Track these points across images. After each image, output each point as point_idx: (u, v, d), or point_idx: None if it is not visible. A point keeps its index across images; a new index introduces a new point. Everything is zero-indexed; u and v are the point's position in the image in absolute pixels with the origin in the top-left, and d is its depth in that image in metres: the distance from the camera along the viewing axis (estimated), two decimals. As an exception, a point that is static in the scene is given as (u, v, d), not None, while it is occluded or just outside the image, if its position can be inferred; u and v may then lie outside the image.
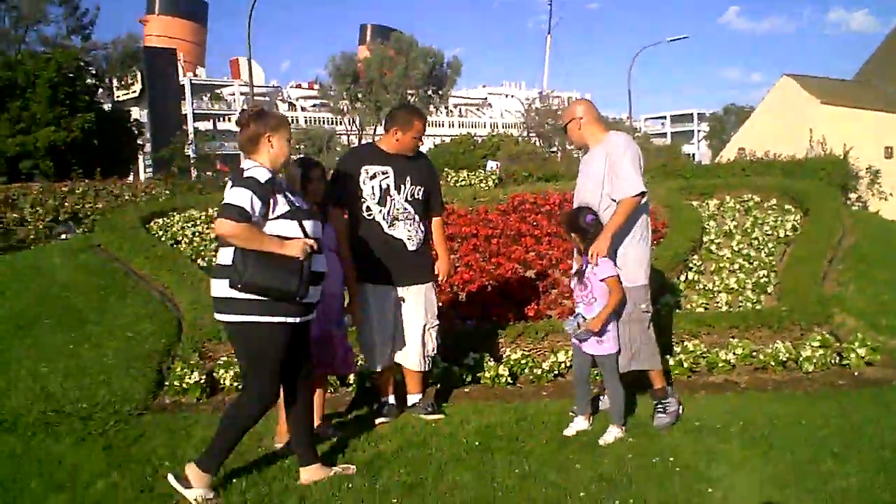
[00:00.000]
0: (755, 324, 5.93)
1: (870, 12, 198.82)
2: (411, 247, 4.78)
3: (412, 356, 4.84)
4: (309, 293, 3.69)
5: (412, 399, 4.95)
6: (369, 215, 4.73)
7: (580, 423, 4.53)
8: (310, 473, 3.86)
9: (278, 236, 3.65)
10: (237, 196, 3.57)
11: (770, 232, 8.58)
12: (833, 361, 5.56)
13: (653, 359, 4.63)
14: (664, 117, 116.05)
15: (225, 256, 3.66)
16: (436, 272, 4.99)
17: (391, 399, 4.95)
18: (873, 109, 21.59)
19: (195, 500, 3.59)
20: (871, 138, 19.72)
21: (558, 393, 5.42)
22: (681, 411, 4.62)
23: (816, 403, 4.84)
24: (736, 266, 7.75)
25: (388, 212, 4.73)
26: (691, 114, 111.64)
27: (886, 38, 26.06)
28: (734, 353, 5.60)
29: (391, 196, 4.74)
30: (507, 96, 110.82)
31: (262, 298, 3.60)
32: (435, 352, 4.98)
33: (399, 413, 4.88)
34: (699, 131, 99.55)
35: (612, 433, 4.35)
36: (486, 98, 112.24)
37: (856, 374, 5.46)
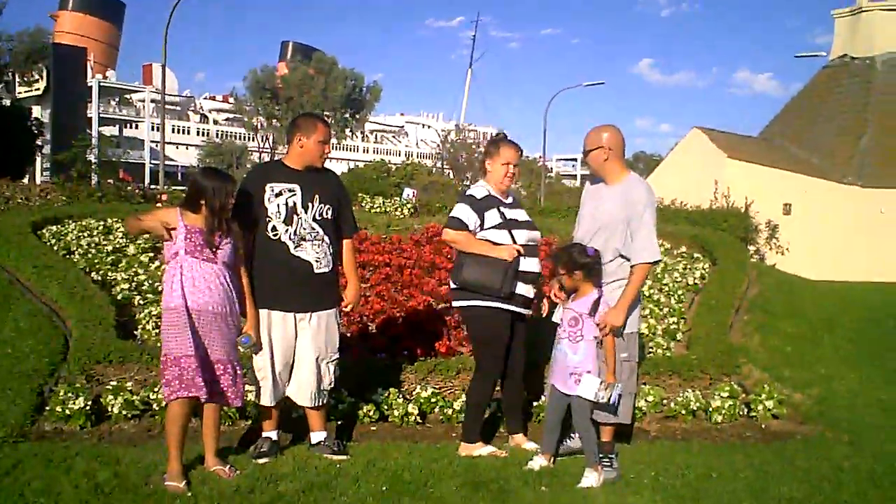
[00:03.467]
0: (665, 371, 5.94)
1: (773, 76, 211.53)
2: (318, 269, 4.50)
3: (304, 391, 4.54)
4: (517, 289, 4.59)
5: (316, 437, 4.65)
6: (275, 235, 4.44)
7: (541, 461, 4.42)
8: (518, 440, 4.91)
9: (493, 242, 4.61)
10: (457, 210, 4.71)
11: (679, 279, 8.72)
12: (741, 413, 5.61)
13: (628, 413, 4.55)
14: (575, 159, 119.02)
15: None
16: (343, 299, 4.74)
17: (274, 435, 4.62)
18: (775, 167, 22.61)
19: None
20: (772, 194, 20.61)
21: (469, 434, 5.24)
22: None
23: (725, 455, 4.82)
24: (647, 311, 7.80)
25: (295, 231, 4.45)
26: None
27: (791, 100, 27.43)
28: (645, 401, 5.57)
29: (298, 215, 4.46)
30: (424, 126, 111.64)
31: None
32: (332, 386, 4.70)
33: (278, 451, 4.56)
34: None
35: (592, 477, 4.22)
36: (402, 126, 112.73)
37: (763, 426, 5.52)
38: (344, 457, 4.52)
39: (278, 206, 4.44)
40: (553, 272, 4.63)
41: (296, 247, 4.46)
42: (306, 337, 4.52)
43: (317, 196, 4.53)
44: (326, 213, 4.55)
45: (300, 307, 4.49)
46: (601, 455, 4.39)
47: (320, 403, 4.65)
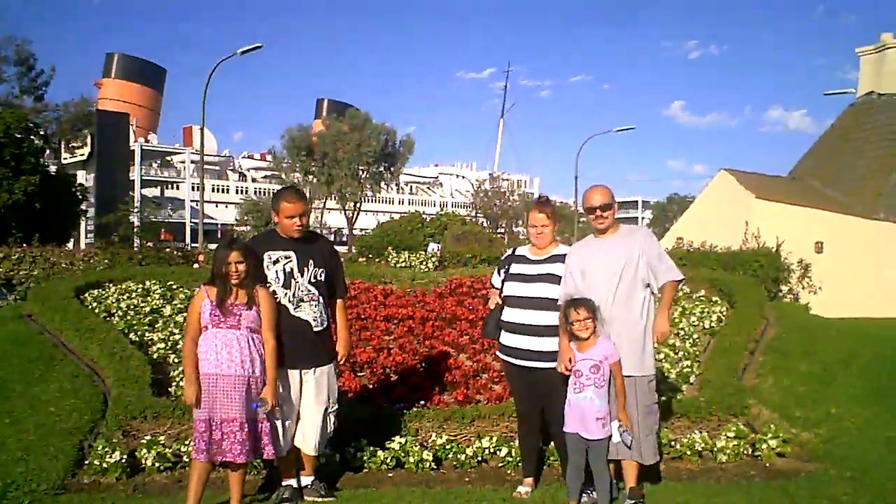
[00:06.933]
0: (675, 413, 6.12)
1: (807, 113, 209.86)
2: (316, 327, 4.94)
3: (311, 440, 4.93)
4: (503, 339, 5.03)
5: (306, 480, 5.02)
6: (275, 299, 4.85)
7: None
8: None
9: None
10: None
11: (696, 322, 8.87)
12: (746, 452, 5.76)
13: (655, 451, 4.85)
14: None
15: None
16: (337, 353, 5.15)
17: (294, 483, 4.98)
18: (805, 206, 22.54)
19: None
20: (802, 233, 20.53)
21: (481, 479, 5.49)
22: None
23: (728, 494, 4.99)
24: (661, 356, 7.98)
25: (294, 294, 4.90)
26: (636, 201, 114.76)
27: (819, 139, 27.37)
28: (653, 443, 5.74)
29: (295, 279, 4.92)
30: (458, 176, 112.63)
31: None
32: (332, 435, 5.11)
33: (300, 498, 4.92)
34: (643, 218, 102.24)
35: None
36: (437, 177, 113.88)
37: (767, 465, 5.66)
38: (331, 499, 4.92)
39: (276, 272, 4.90)
40: (566, 321, 4.69)
41: (295, 308, 4.90)
42: (310, 391, 4.93)
43: (311, 261, 4.99)
44: (320, 276, 5.02)
45: (304, 363, 4.92)
46: (633, 501, 4.65)
47: (321, 451, 5.06)
